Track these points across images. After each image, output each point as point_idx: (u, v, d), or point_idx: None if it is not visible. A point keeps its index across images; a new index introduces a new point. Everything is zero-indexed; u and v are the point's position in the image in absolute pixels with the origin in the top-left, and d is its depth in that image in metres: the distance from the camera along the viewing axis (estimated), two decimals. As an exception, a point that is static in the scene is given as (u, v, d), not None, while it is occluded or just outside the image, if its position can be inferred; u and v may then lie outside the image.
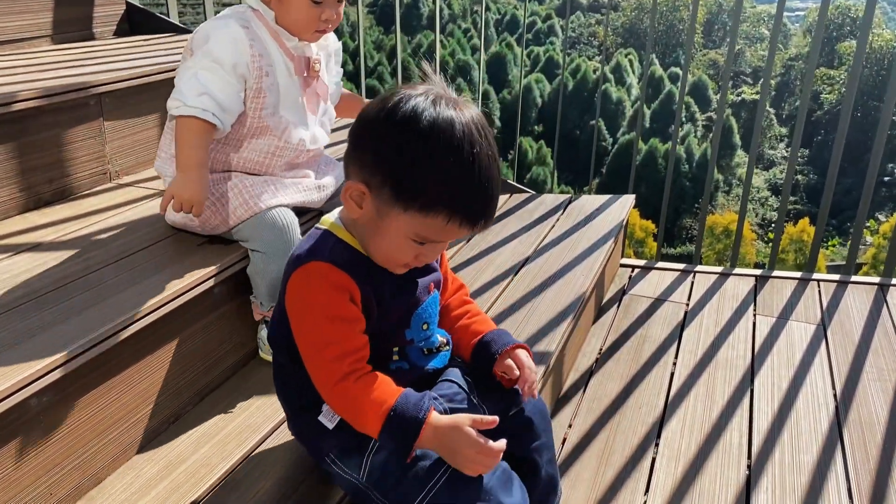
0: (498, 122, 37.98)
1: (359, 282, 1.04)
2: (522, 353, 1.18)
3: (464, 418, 1.01)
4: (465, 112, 0.99)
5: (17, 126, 1.64)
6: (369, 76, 39.35)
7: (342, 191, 1.05)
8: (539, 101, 40.64)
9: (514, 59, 44.92)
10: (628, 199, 2.53)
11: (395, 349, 1.13)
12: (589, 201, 2.55)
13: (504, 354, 1.17)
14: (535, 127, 39.42)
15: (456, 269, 2.04)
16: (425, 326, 1.15)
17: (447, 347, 1.19)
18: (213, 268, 1.40)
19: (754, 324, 2.27)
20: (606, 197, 2.57)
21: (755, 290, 2.48)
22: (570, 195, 2.61)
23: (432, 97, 0.98)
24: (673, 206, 30.20)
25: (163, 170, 1.58)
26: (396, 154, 0.97)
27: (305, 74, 1.53)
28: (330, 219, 1.12)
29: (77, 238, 1.55)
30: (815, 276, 2.56)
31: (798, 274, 2.57)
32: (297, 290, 1.05)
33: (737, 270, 2.61)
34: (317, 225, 1.13)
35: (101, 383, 1.20)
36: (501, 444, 1.02)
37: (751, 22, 52.31)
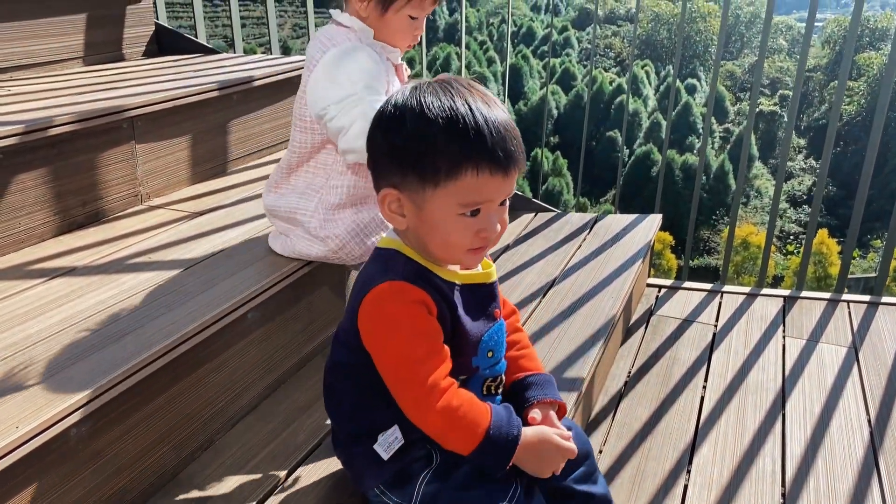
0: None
1: (432, 296, 1.03)
2: (552, 414, 1.15)
3: (548, 431, 1.07)
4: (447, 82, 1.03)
5: (53, 150, 1.65)
6: (386, 88, 39.39)
7: (381, 209, 1.05)
8: (555, 112, 40.64)
9: (531, 70, 44.96)
10: (655, 219, 2.52)
11: (462, 378, 1.11)
12: (615, 221, 2.54)
13: (535, 406, 1.15)
14: (552, 138, 39.41)
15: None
16: (490, 354, 1.13)
17: (501, 390, 1.18)
18: (245, 294, 1.40)
19: (784, 346, 2.25)
20: (633, 216, 2.56)
21: (784, 312, 2.45)
22: (595, 214, 2.60)
23: (409, 86, 1.02)
24: (690, 218, 30.07)
25: (277, 204, 1.53)
26: (401, 140, 0.99)
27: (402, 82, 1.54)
28: (390, 237, 1.11)
29: (111, 262, 1.56)
30: (845, 296, 2.53)
31: (827, 295, 2.54)
32: (377, 312, 1.03)
33: (764, 291, 2.59)
34: (377, 246, 1.12)
35: (138, 411, 1.20)
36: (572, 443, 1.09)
37: (769, 33, 52.06)
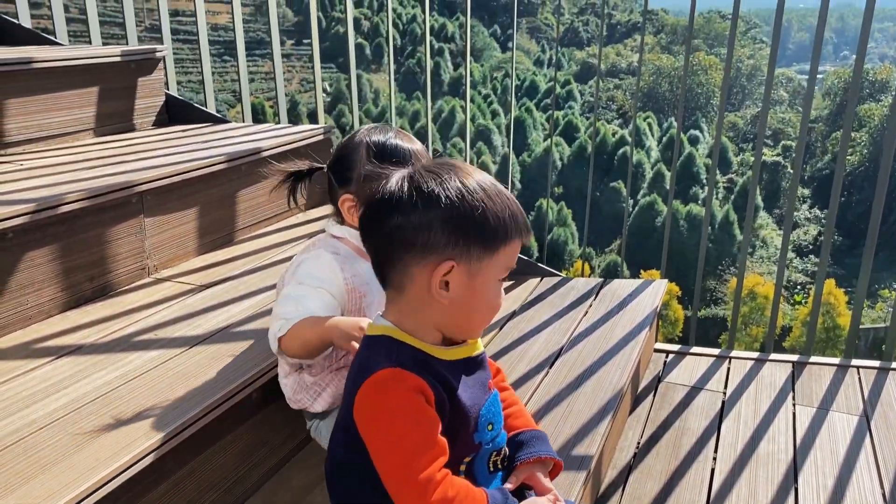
0: (518, 185, 38.24)
1: (428, 382, 1.02)
2: (538, 476, 1.15)
3: (538, 501, 1.11)
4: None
5: (63, 227, 1.67)
6: (391, 140, 39.89)
7: (432, 285, 1.03)
8: (559, 163, 41.01)
9: (534, 122, 45.52)
10: (661, 285, 2.52)
11: (466, 459, 1.10)
12: (621, 286, 2.54)
13: (522, 467, 1.15)
14: (556, 189, 39.65)
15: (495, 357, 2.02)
16: (490, 427, 1.12)
17: (505, 464, 1.17)
18: (249, 375, 1.40)
19: (794, 414, 2.22)
20: (638, 282, 2.56)
21: (793, 378, 2.43)
22: (601, 279, 2.60)
23: (422, 167, 1.06)
24: (695, 269, 30.01)
25: (297, 399, 1.44)
26: (467, 210, 1.00)
27: None
28: (379, 324, 1.09)
29: (118, 339, 1.56)
30: (855, 362, 2.51)
31: (836, 360, 2.52)
32: (373, 403, 1.01)
33: (773, 356, 2.57)
34: (368, 333, 1.10)
35: (142, 498, 1.19)
36: None
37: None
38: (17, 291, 1.58)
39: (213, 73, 2.78)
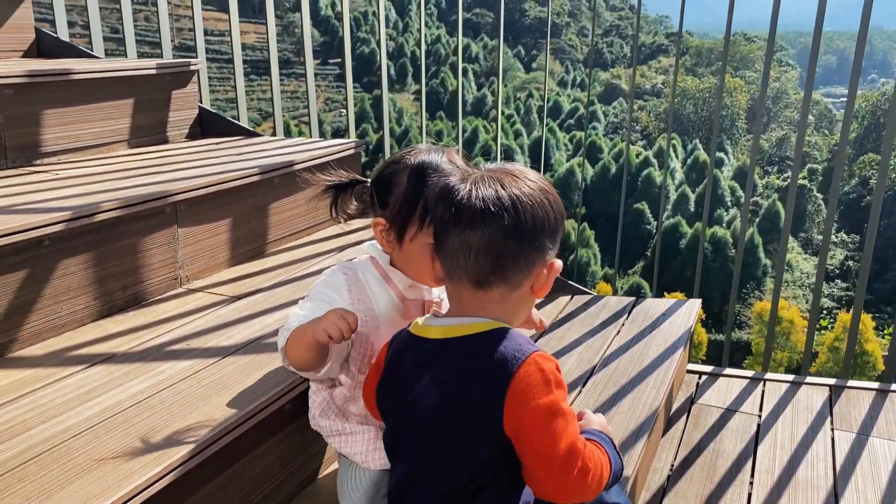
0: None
1: None
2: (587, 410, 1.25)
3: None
4: None
5: (98, 235, 1.67)
6: (414, 159, 40.14)
7: (526, 289, 1.08)
8: (582, 184, 40.96)
9: (557, 143, 45.56)
10: (695, 304, 2.48)
11: None
12: (654, 305, 2.50)
13: None
14: (579, 209, 39.57)
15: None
16: None
17: None
18: (281, 387, 1.38)
19: (833, 439, 2.16)
20: (671, 301, 2.52)
21: (830, 402, 2.37)
22: (633, 298, 2.56)
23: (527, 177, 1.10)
24: (719, 291, 29.69)
25: (322, 426, 1.40)
26: (556, 218, 1.10)
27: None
28: (481, 321, 1.06)
29: (150, 349, 1.55)
30: (895, 386, 2.44)
31: (875, 385, 2.45)
32: (545, 384, 0.99)
33: (809, 379, 2.51)
34: (478, 331, 1.05)
35: (175, 509, 1.17)
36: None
37: (794, 108, 52.44)
38: (52, 299, 1.58)
39: (245, 99, 2.79)
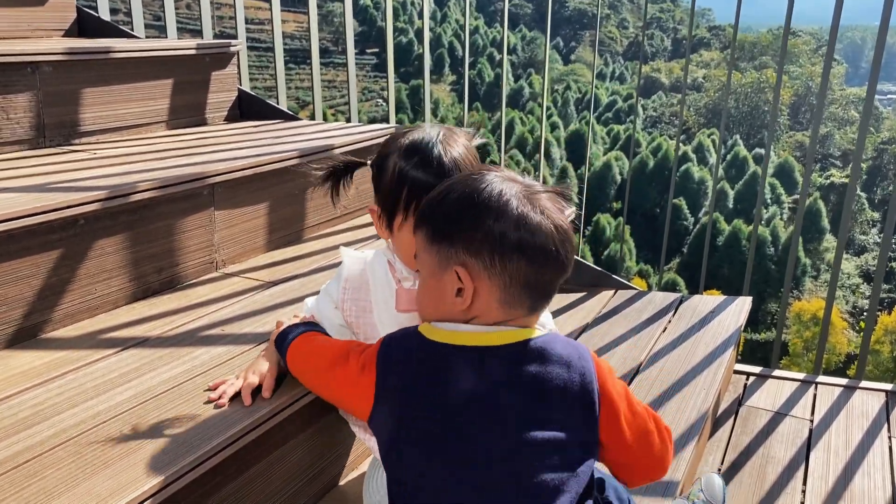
0: (575, 199, 37.85)
1: None
2: None
3: None
4: None
5: (134, 216, 1.63)
6: (450, 150, 40.03)
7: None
8: (618, 178, 40.53)
9: (594, 136, 45.12)
10: (745, 302, 2.38)
11: None
12: (703, 302, 2.40)
13: None
14: (614, 204, 39.17)
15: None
16: None
17: None
18: (321, 375, 1.33)
19: (891, 448, 2.05)
20: (720, 298, 2.42)
21: (887, 408, 2.25)
22: (681, 294, 2.47)
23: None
24: (756, 290, 29.24)
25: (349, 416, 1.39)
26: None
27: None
28: (535, 326, 1.03)
29: (184, 333, 1.51)
30: (956, 394, 2.32)
31: (936, 391, 2.33)
32: (612, 375, 1.04)
33: (864, 384, 2.39)
34: (538, 338, 1.01)
35: (207, 499, 1.13)
36: None
37: (840, 104, 51.32)
38: (86, 280, 1.55)
39: (285, 84, 2.75)
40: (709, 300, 2.42)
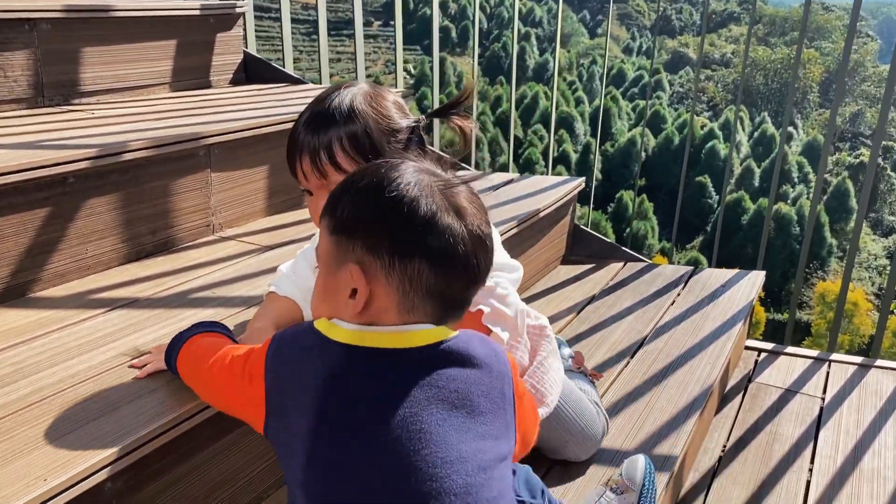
0: (599, 175, 37.59)
1: None
2: None
3: None
4: None
5: (126, 176, 1.60)
6: (473, 124, 39.77)
7: None
8: (643, 154, 40.11)
9: (619, 112, 44.63)
10: (758, 276, 2.31)
11: None
12: (714, 276, 2.34)
13: None
14: (638, 181, 38.80)
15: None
16: None
17: None
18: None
19: (904, 428, 1.99)
20: (733, 272, 2.36)
21: (902, 388, 2.19)
22: (691, 268, 2.41)
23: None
24: (781, 270, 28.87)
25: None
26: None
27: None
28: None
29: (174, 295, 1.49)
30: (975, 375, 2.24)
31: (954, 372, 2.26)
32: (517, 372, 1.02)
33: (880, 362, 2.33)
34: (457, 335, 0.92)
35: (180, 465, 1.10)
36: None
37: (872, 82, 50.21)
38: (76, 240, 1.52)
39: (292, 48, 2.69)
40: (720, 274, 2.36)
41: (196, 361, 1.03)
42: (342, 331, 0.87)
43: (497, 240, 1.26)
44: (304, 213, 2.07)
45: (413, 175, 0.88)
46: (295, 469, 0.85)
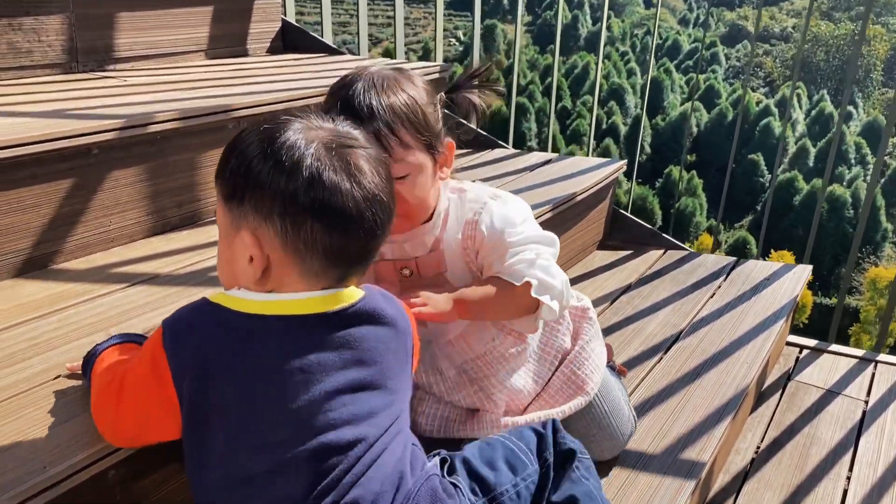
0: (648, 149, 36.91)
1: None
2: None
3: None
4: None
5: (153, 147, 1.58)
6: (520, 94, 39.45)
7: None
8: (695, 130, 39.20)
9: (672, 84, 43.61)
10: (804, 271, 2.21)
11: None
12: (757, 268, 2.25)
13: None
14: (689, 156, 37.98)
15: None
16: None
17: None
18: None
19: (953, 438, 1.89)
20: (778, 265, 2.26)
21: (954, 393, 2.08)
22: (734, 259, 2.31)
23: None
24: (832, 253, 28.12)
25: None
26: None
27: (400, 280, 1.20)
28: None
29: (195, 272, 1.46)
30: None
31: None
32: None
33: (931, 366, 2.21)
34: (364, 296, 0.92)
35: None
36: None
37: (940, 60, 48.12)
38: (100, 211, 1.51)
39: (330, 16, 2.63)
40: (764, 266, 2.26)
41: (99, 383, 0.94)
42: (244, 301, 0.85)
43: (529, 213, 1.22)
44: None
45: (298, 133, 0.85)
46: (214, 443, 0.83)
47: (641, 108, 39.65)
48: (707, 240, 30.37)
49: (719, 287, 2.14)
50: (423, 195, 1.13)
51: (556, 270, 1.17)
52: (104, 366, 0.97)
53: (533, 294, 1.12)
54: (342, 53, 2.51)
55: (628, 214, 2.39)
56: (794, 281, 2.15)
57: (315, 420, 0.83)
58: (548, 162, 2.34)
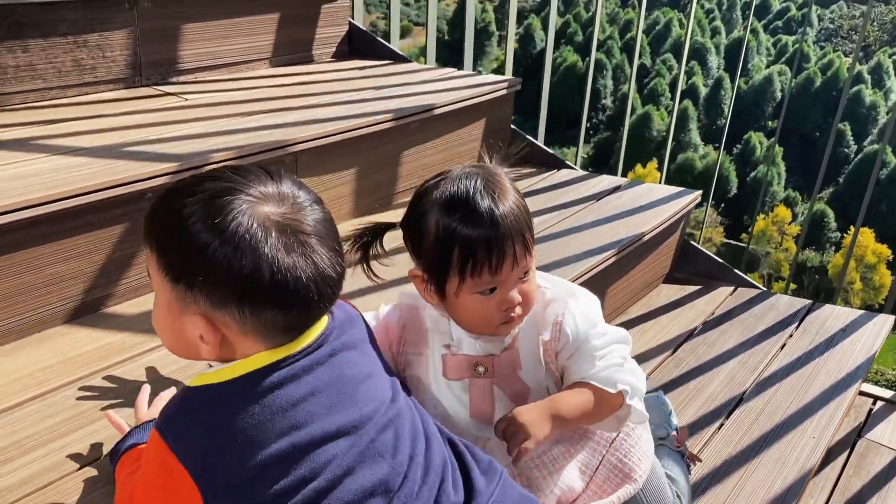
0: (728, 112, 35.57)
1: None
2: None
3: None
4: None
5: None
6: (599, 49, 38.34)
7: None
8: (778, 94, 37.57)
9: (758, 46, 41.76)
10: (886, 322, 2.06)
11: None
12: (833, 315, 2.11)
13: None
14: (770, 122, 36.49)
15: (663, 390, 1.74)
16: None
17: None
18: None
19: None
20: (857, 312, 2.12)
21: None
22: (809, 302, 2.18)
23: None
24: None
25: None
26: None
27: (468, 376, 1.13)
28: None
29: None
30: None
31: None
32: None
33: None
34: (332, 323, 0.91)
35: None
36: None
37: None
38: (153, 254, 1.49)
39: (399, 21, 2.54)
40: (841, 313, 2.12)
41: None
42: (227, 370, 0.82)
43: (599, 306, 1.17)
44: (390, 215, 1.98)
45: (247, 216, 0.79)
46: None
47: (727, 70, 38.07)
48: (783, 212, 29.30)
49: (791, 336, 2.02)
50: (535, 289, 1.10)
51: (639, 371, 1.14)
52: (123, 475, 0.97)
53: (627, 401, 1.09)
54: (408, 61, 2.43)
55: (699, 247, 2.27)
56: (873, 334, 2.01)
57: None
58: (616, 189, 2.23)
